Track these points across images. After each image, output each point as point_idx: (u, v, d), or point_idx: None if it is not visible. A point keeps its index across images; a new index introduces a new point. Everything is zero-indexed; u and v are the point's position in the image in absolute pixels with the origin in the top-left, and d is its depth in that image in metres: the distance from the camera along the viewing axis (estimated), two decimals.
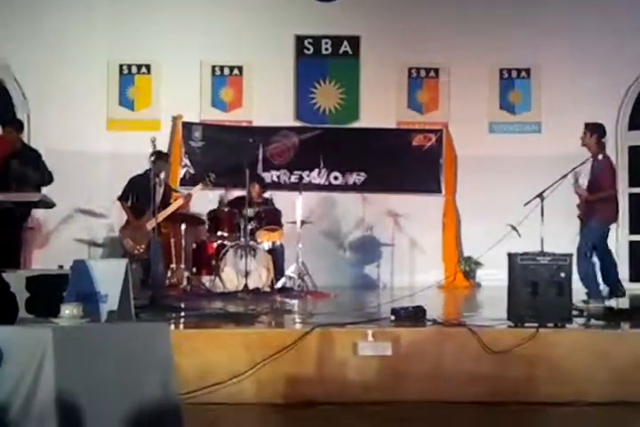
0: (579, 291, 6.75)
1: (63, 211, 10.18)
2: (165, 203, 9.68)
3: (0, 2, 10.97)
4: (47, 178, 8.76)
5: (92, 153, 11.18)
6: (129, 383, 3.95)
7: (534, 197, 7.66)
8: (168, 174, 10.62)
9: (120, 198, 9.88)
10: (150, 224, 9.11)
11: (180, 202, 9.80)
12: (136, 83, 11.87)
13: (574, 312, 6.69)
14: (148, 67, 11.86)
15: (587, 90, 11.62)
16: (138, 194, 9.37)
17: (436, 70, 12.09)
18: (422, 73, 12.12)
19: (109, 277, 4.37)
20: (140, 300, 6.99)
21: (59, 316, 3.99)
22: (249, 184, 9.89)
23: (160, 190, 9.46)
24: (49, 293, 4.52)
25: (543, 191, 7.64)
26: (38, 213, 9.37)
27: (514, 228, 7.82)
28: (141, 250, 9.53)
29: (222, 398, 5.72)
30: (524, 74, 12.07)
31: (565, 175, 7.85)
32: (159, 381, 4.10)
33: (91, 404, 3.70)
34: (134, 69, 11.87)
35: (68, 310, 3.99)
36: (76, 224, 11.16)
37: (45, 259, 9.94)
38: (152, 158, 8.63)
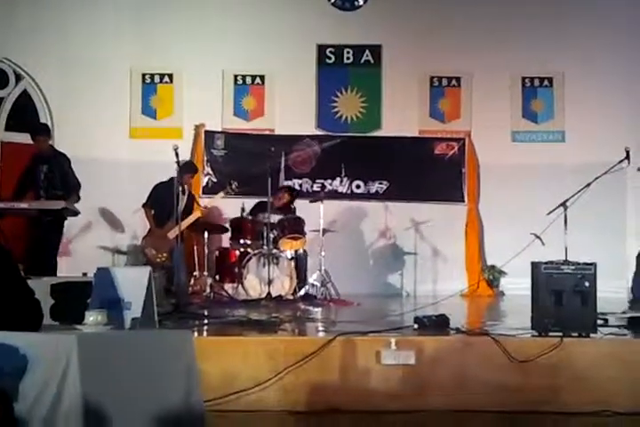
0: (603, 300, 6.68)
1: (85, 219, 10.22)
2: (188, 212, 9.68)
3: (25, 12, 11.04)
4: (76, 184, 8.80)
5: (114, 161, 11.23)
6: (153, 390, 3.95)
7: (557, 206, 7.61)
8: (191, 183, 10.62)
9: (145, 205, 9.89)
10: (172, 233, 9.16)
11: (197, 214, 9.79)
12: (158, 92, 11.94)
13: (599, 322, 6.65)
14: (170, 76, 11.93)
15: (610, 98, 11.57)
16: (161, 202, 9.38)
17: (458, 79, 12.07)
18: (444, 82, 12.10)
19: (133, 284, 4.39)
20: (164, 307, 7.01)
21: (83, 323, 4.01)
22: (277, 192, 9.88)
23: (183, 199, 9.49)
24: (73, 300, 4.55)
25: (566, 200, 7.59)
26: None
27: (537, 236, 7.77)
28: (163, 259, 9.55)
29: (246, 406, 5.72)
30: (546, 82, 12.02)
31: (589, 184, 7.78)
32: (183, 388, 4.10)
33: (116, 411, 3.70)
34: (157, 78, 11.94)
35: (93, 317, 4.01)
36: (100, 232, 11.22)
37: (69, 266, 9.98)
38: (178, 168, 8.64)
